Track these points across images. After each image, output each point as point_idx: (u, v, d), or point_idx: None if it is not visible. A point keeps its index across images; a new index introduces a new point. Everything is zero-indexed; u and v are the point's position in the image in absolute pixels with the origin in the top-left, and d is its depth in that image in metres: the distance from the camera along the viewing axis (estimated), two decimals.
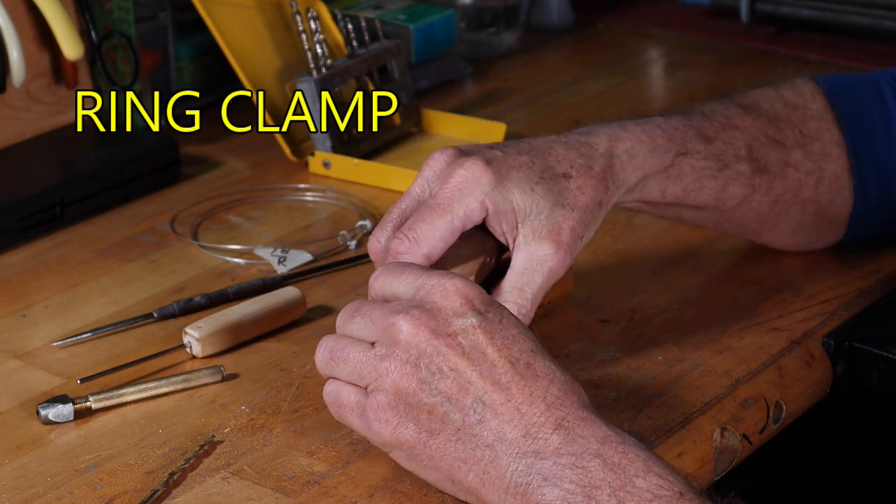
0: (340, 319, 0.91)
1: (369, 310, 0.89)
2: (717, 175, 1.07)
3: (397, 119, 1.42)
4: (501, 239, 0.99)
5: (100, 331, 1.09)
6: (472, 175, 0.97)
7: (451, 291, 0.87)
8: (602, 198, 1.01)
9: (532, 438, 0.84)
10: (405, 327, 0.86)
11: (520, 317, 0.94)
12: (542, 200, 0.98)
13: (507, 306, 0.93)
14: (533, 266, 0.98)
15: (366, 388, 0.88)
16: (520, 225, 0.98)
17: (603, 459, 0.82)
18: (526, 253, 0.98)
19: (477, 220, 0.97)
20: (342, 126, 1.36)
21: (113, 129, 1.40)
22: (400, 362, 0.86)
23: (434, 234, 0.96)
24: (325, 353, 0.90)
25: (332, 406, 0.90)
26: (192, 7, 1.39)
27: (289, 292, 1.10)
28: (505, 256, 1.00)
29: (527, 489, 0.83)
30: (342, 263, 1.19)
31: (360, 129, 1.38)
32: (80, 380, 1.01)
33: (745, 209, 1.10)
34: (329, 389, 0.90)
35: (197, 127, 1.47)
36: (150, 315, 1.11)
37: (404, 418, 0.86)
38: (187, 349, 1.06)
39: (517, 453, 0.84)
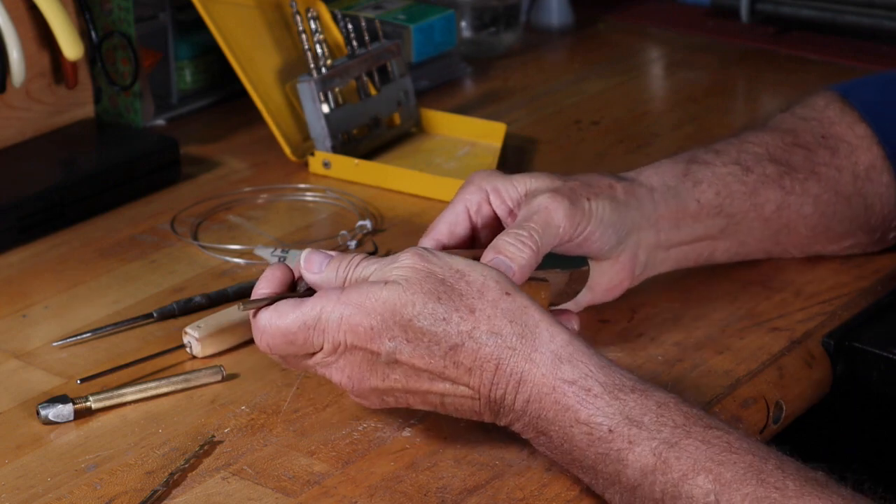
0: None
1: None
2: (744, 179, 1.08)
3: (397, 119, 1.42)
4: (504, 213, 1.01)
5: (100, 331, 1.09)
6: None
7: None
8: (614, 183, 1.03)
9: (500, 414, 0.90)
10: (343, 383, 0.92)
11: (522, 246, 0.96)
12: (545, 178, 1.02)
13: (504, 241, 0.96)
14: (530, 213, 0.99)
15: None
16: (525, 196, 1.01)
17: (545, 419, 0.87)
18: (525, 208, 1.00)
19: (477, 201, 1.01)
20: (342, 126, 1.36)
21: (113, 129, 1.41)
22: (380, 404, 0.93)
23: (440, 221, 1.01)
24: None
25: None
26: (192, 7, 1.39)
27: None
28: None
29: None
30: None
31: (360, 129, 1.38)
32: (80, 380, 1.01)
33: (789, 215, 1.11)
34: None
35: (197, 127, 1.47)
36: (150, 315, 1.11)
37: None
38: (187, 349, 1.06)
39: (503, 418, 0.90)
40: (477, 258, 0.96)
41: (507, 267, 0.95)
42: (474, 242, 1.03)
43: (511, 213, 1.01)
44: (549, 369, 0.87)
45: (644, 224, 1.04)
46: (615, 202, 1.02)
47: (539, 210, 0.98)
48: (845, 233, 1.14)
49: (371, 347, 0.88)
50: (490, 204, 1.02)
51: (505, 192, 1.01)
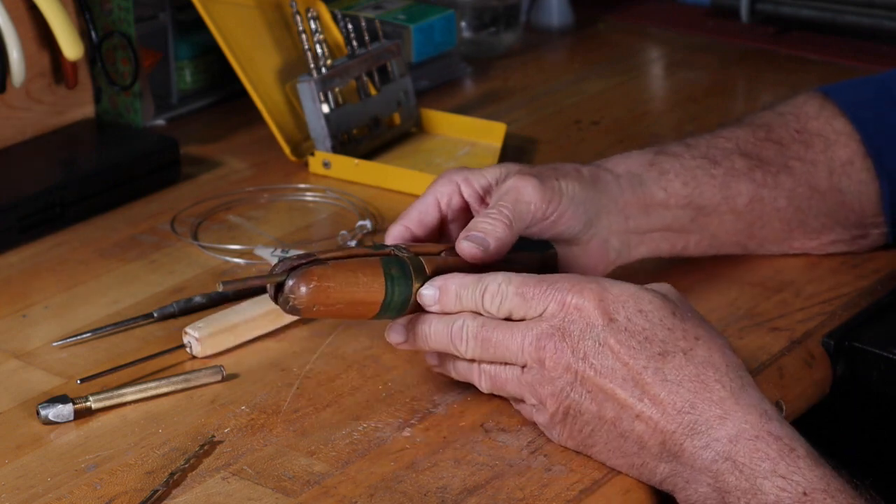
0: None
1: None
2: (713, 172, 1.10)
3: (397, 119, 1.42)
4: (475, 201, 1.03)
5: (100, 331, 1.09)
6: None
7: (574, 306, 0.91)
8: (579, 167, 1.06)
9: (668, 447, 0.88)
10: (547, 357, 0.91)
11: (494, 222, 0.97)
12: (514, 166, 1.05)
13: (476, 221, 0.98)
14: (500, 195, 1.01)
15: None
16: (495, 183, 1.03)
17: (733, 462, 0.85)
18: (495, 193, 1.02)
19: (448, 192, 1.03)
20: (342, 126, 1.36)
21: (113, 129, 1.40)
22: (551, 388, 0.91)
23: (411, 210, 1.03)
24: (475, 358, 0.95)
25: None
26: (192, 7, 1.39)
27: None
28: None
29: (674, 488, 0.88)
30: None
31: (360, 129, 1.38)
32: (80, 380, 1.01)
33: (763, 208, 1.11)
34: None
35: (197, 127, 1.47)
36: (150, 315, 1.11)
37: (563, 425, 0.92)
38: (187, 349, 1.06)
39: (658, 458, 0.88)
40: (451, 249, 0.98)
41: (481, 240, 0.96)
42: (442, 235, 1.05)
43: (481, 200, 1.03)
44: (756, 418, 0.86)
45: (612, 208, 1.06)
46: (583, 182, 1.04)
47: (509, 190, 1.00)
48: (822, 228, 1.14)
49: (592, 312, 0.89)
50: (461, 195, 1.04)
51: (475, 181, 1.04)
